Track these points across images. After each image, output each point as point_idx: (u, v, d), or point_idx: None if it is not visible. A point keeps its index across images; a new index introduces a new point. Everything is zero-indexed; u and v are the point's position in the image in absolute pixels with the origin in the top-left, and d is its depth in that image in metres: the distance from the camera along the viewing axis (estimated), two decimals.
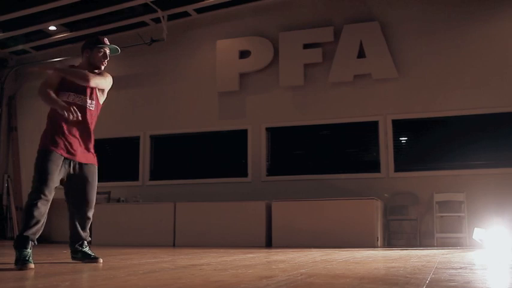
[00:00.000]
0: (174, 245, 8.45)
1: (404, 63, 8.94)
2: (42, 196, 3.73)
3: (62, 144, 3.92)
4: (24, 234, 3.66)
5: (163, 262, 4.11)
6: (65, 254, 5.17)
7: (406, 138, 9.09)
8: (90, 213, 4.20)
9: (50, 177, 3.80)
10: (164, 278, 2.87)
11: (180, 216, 8.69)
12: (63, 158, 3.92)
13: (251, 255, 5.18)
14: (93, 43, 4.22)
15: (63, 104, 3.80)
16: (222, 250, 6.48)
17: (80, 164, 4.06)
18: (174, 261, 4.22)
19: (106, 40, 4.27)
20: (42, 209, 3.74)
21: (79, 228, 4.18)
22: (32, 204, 3.70)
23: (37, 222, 3.71)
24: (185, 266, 3.69)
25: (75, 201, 4.15)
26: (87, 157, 4.12)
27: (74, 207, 4.16)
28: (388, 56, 8.91)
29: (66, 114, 3.73)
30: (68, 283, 2.61)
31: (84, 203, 4.14)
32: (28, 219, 3.68)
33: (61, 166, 3.90)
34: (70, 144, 3.97)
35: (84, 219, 4.19)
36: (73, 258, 4.24)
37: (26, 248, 3.65)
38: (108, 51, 4.25)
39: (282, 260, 4.48)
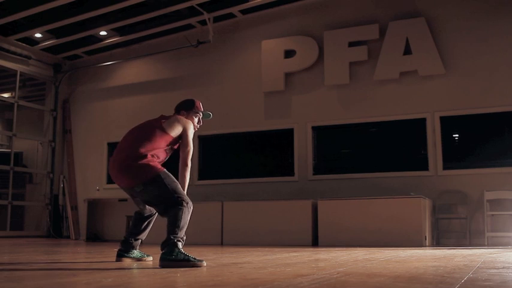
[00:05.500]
0: (222, 244, 8.59)
1: (451, 59, 8.76)
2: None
3: None
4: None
5: (207, 260, 4.20)
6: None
7: (454, 136, 8.91)
8: None
9: None
10: (203, 275, 2.96)
11: (227, 216, 8.81)
12: None
13: (294, 254, 5.23)
14: (192, 107, 4.36)
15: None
16: (267, 249, 6.55)
17: None
18: (217, 260, 4.32)
19: (201, 106, 4.43)
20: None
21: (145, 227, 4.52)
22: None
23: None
24: (226, 264, 3.78)
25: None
26: None
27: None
28: (435, 52, 8.75)
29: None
30: (111, 279, 2.73)
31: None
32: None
33: None
34: None
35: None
36: (124, 256, 4.26)
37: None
38: (201, 117, 4.44)
39: (324, 258, 4.52)
